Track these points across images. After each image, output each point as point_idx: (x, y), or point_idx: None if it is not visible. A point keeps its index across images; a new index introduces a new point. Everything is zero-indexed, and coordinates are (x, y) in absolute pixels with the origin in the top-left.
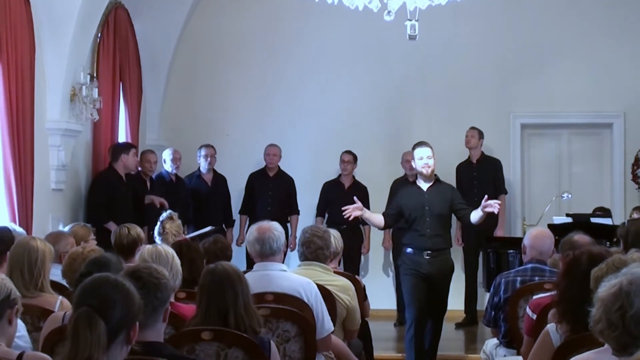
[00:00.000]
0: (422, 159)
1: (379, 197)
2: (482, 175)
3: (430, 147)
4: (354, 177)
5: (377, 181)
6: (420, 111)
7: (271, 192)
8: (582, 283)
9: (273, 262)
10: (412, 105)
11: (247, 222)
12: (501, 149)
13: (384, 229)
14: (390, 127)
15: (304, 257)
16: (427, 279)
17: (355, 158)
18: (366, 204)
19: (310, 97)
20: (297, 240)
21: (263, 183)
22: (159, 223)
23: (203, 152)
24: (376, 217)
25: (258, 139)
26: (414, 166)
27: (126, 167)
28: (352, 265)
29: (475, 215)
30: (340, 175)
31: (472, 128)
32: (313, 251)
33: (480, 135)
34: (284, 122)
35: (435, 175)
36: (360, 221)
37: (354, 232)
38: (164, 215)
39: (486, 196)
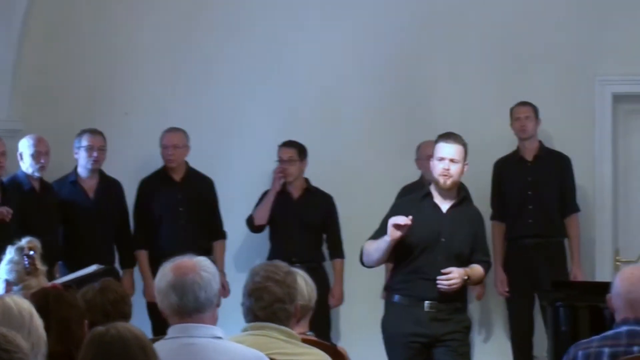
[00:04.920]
0: (443, 161)
1: (380, 215)
2: (541, 181)
3: (462, 145)
4: (306, 181)
5: (375, 189)
6: (444, 76)
7: (181, 207)
8: None
9: (200, 324)
10: (432, 66)
11: (148, 261)
12: (579, 136)
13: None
14: (395, 103)
15: (253, 316)
16: (428, 347)
17: (301, 152)
18: (328, 223)
19: (257, 61)
20: (227, 279)
21: (165, 193)
22: (13, 255)
23: (85, 141)
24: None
25: (175, 120)
26: (431, 168)
27: None
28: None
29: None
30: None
31: (524, 104)
32: (268, 306)
33: (537, 114)
34: (214, 97)
35: (462, 189)
36: (322, 255)
37: (314, 272)
38: (22, 242)
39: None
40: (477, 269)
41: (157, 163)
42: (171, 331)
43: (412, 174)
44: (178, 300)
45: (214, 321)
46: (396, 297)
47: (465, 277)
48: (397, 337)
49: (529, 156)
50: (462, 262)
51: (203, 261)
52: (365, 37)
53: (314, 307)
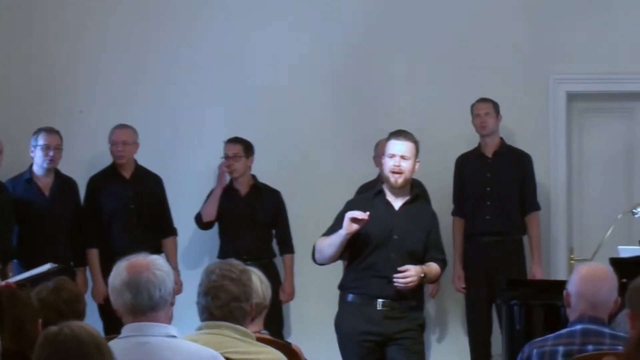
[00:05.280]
0: (394, 158)
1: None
2: (500, 177)
3: (413, 142)
4: (254, 177)
5: (331, 187)
6: (402, 72)
7: (132, 204)
8: None
9: (154, 323)
10: (390, 63)
11: (99, 260)
12: (533, 134)
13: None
14: (352, 100)
15: (210, 315)
16: (382, 346)
17: (247, 148)
18: (277, 219)
19: (211, 58)
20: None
21: (114, 190)
22: None
23: (41, 140)
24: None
25: (129, 118)
26: (383, 166)
27: None
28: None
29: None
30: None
31: (484, 100)
32: (225, 304)
33: (497, 110)
34: (168, 95)
35: (415, 187)
36: (272, 251)
37: (265, 268)
38: None
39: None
40: (433, 267)
41: (110, 161)
42: (125, 330)
43: (369, 172)
44: (132, 298)
45: (168, 320)
46: (350, 297)
47: (422, 275)
48: (350, 335)
49: (489, 152)
50: (416, 260)
51: (157, 259)
52: (322, 34)
53: (269, 305)
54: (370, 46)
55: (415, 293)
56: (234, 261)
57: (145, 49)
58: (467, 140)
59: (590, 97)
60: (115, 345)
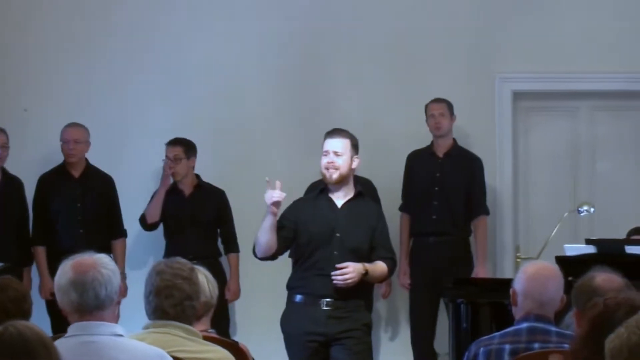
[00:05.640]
0: (327, 155)
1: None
2: (448, 178)
3: (348, 139)
4: (197, 177)
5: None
6: (348, 71)
7: (79, 202)
8: None
9: (100, 322)
10: (336, 62)
11: (46, 258)
12: (479, 132)
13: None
14: (298, 101)
15: (162, 314)
16: (326, 346)
17: (188, 149)
18: (222, 218)
19: (157, 58)
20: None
21: (63, 189)
22: None
23: None
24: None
25: (76, 116)
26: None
27: None
28: (215, 326)
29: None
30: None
31: (438, 100)
32: (178, 303)
33: (451, 110)
34: (114, 95)
35: (359, 184)
36: (217, 250)
37: (209, 266)
38: None
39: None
40: (378, 266)
41: (58, 159)
42: (71, 329)
43: (317, 171)
44: (78, 297)
45: (115, 319)
46: (297, 297)
47: (363, 272)
48: (294, 336)
49: (440, 152)
50: (360, 258)
51: (103, 258)
52: (267, 35)
53: (215, 303)
54: (317, 45)
55: (362, 292)
56: (181, 259)
57: (90, 47)
58: (414, 138)
59: (536, 96)
60: (61, 344)
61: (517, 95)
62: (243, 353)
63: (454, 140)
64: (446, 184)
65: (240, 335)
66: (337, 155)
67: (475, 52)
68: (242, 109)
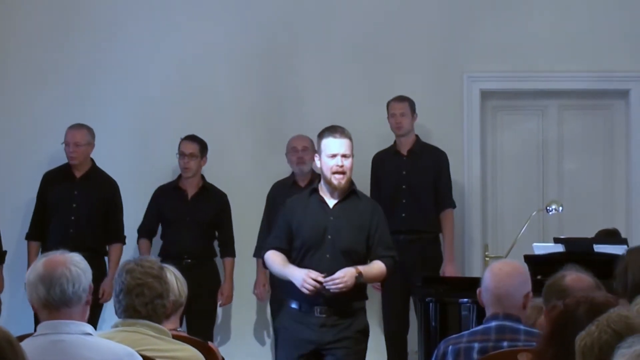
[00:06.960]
0: (335, 158)
1: (251, 211)
2: (415, 175)
3: (350, 138)
4: (203, 178)
5: (247, 186)
6: (315, 69)
7: (75, 203)
8: None
9: (69, 321)
10: (302, 60)
11: (40, 253)
12: (447, 131)
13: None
14: (266, 99)
15: (134, 312)
16: (317, 355)
17: (202, 148)
18: (222, 221)
19: (123, 58)
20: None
21: (61, 188)
22: None
23: None
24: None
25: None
26: (318, 166)
27: None
28: (201, 326)
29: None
30: (179, 176)
31: (400, 99)
32: (149, 301)
33: (413, 109)
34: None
35: (351, 184)
36: (213, 252)
37: (204, 267)
38: None
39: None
40: (374, 265)
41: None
42: (40, 328)
43: (282, 169)
44: (45, 292)
45: (84, 318)
46: (292, 304)
47: (357, 275)
48: (290, 342)
49: (404, 150)
50: (354, 260)
51: (75, 257)
52: (236, 33)
53: (184, 302)
54: (283, 46)
55: (358, 294)
56: (150, 258)
57: (60, 48)
58: (382, 137)
59: (504, 95)
60: (30, 343)
61: (486, 95)
62: (213, 352)
63: (417, 136)
64: (413, 181)
65: (233, 339)
66: (345, 158)
67: (444, 52)
68: (208, 107)
